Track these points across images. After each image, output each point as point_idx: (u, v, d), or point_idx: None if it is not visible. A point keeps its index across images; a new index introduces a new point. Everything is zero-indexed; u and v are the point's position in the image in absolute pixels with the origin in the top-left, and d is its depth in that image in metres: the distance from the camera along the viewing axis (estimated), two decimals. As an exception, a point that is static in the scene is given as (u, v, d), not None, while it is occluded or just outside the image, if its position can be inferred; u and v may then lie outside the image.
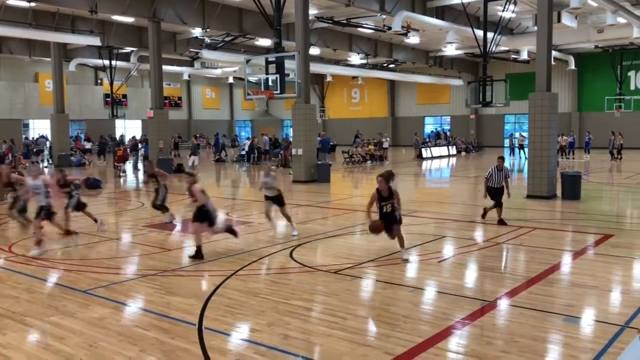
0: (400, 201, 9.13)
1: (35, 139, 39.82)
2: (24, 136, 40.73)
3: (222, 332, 6.03)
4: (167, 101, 44.78)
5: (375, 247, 9.83)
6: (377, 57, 38.05)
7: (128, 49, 34.40)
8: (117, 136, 44.30)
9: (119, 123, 46.74)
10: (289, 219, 11.32)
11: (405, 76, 43.44)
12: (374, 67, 41.41)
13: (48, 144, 36.51)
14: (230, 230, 10.04)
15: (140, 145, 33.71)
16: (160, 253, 9.80)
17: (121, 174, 25.55)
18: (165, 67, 31.87)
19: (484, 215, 12.45)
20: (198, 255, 9.23)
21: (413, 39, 30.98)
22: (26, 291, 7.68)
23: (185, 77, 45.13)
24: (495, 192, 12.15)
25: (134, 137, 37.46)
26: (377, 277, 8.12)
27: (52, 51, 31.69)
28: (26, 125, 43.52)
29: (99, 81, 46.66)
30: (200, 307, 6.79)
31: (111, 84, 35.50)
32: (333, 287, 7.67)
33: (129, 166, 29.50)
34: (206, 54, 30.40)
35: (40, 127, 42.65)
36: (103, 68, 36.37)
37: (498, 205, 12.14)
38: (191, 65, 40.33)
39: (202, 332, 6.00)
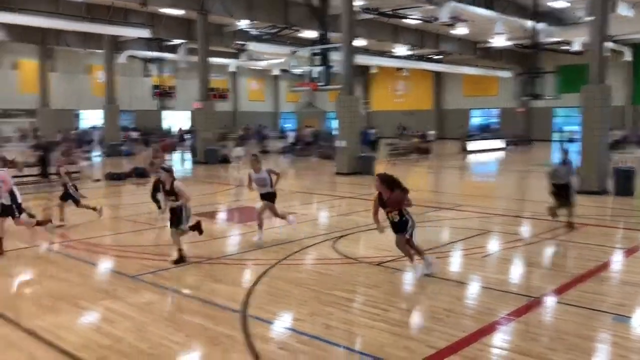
0: (404, 204, 7.56)
1: (86, 129, 41.08)
2: (76, 126, 42.12)
3: (266, 320, 6.12)
4: (213, 93, 45.41)
5: (417, 240, 9.73)
6: (423, 48, 37.53)
7: (176, 41, 35.06)
8: (165, 127, 45.19)
9: (167, 114, 47.74)
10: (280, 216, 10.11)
11: (452, 68, 42.67)
12: (420, 58, 40.83)
13: (98, 134, 37.62)
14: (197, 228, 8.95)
15: (187, 136, 34.40)
16: (205, 241, 9.98)
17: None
18: (212, 59, 32.35)
19: (553, 215, 11.00)
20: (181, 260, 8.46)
21: (460, 30, 30.40)
22: (78, 275, 7.99)
23: (232, 69, 45.62)
24: (561, 190, 10.83)
25: (180, 128, 38.24)
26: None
27: (104, 44, 32.58)
28: (77, 116, 44.94)
29: (148, 73, 47.74)
30: (244, 295, 6.91)
31: (160, 75, 36.26)
32: (375, 278, 7.67)
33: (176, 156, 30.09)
34: (252, 46, 30.71)
35: (91, 118, 43.94)
36: (152, 60, 37.17)
37: (566, 204, 10.74)
38: (237, 57, 40.78)
39: (245, 319, 6.10)
